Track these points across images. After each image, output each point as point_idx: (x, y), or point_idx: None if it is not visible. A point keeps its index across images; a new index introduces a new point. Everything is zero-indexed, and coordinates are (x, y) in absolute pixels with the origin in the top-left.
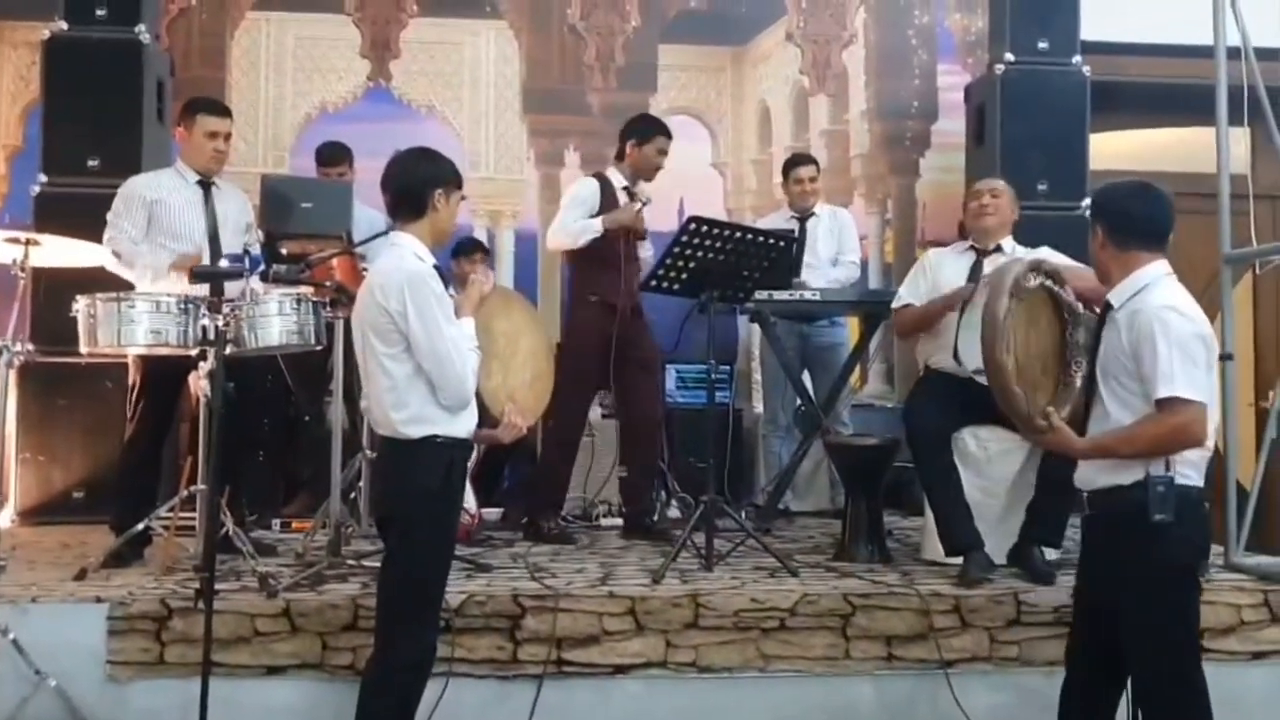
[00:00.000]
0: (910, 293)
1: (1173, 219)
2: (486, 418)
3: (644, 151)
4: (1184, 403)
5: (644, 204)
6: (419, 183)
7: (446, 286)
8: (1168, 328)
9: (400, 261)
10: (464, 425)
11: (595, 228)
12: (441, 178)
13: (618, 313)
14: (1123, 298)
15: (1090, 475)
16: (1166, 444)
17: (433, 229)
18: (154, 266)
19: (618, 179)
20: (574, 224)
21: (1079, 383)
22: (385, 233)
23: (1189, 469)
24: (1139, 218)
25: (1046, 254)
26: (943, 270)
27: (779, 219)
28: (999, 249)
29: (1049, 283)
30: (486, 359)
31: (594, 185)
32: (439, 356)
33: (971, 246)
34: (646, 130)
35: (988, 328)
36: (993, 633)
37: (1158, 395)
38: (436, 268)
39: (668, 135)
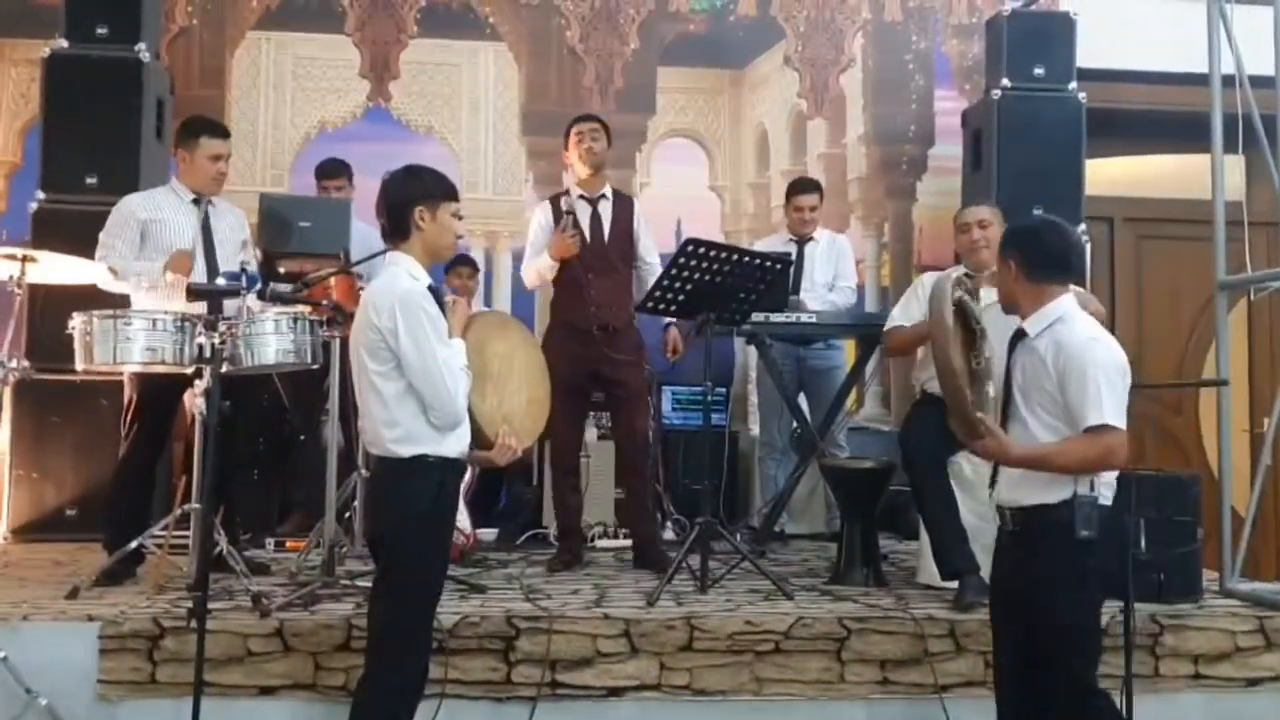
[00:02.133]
0: (902, 315)
1: (1084, 254)
2: (481, 440)
3: (570, 150)
4: (1112, 429)
5: (568, 215)
6: (401, 203)
7: (441, 307)
8: (1097, 360)
9: (394, 281)
10: (455, 445)
11: (548, 264)
12: (423, 195)
13: (587, 334)
14: (1038, 327)
15: (1016, 494)
16: (1095, 464)
17: (424, 247)
18: (149, 273)
19: (574, 191)
20: (530, 264)
21: (990, 394)
22: (382, 253)
23: (1107, 489)
24: (1053, 252)
25: None
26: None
27: (777, 242)
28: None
29: (964, 296)
30: (481, 381)
31: (544, 212)
32: (429, 375)
33: (967, 274)
34: (565, 134)
35: (939, 331)
36: (987, 657)
37: (1090, 422)
38: (432, 288)
39: (584, 119)
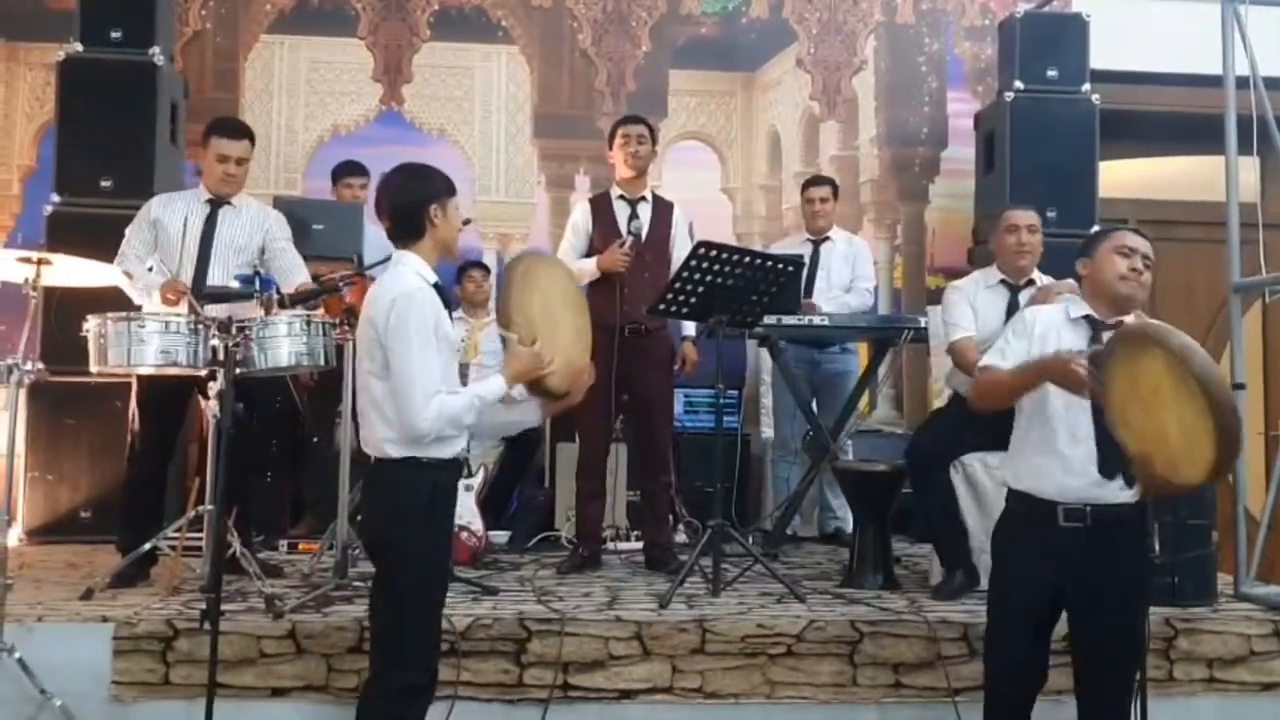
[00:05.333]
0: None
1: None
2: (550, 391)
3: (615, 153)
4: None
5: (632, 237)
6: (415, 203)
7: (448, 306)
8: None
9: (398, 280)
10: (450, 447)
11: (590, 270)
12: (435, 193)
13: (617, 334)
14: None
15: (1114, 492)
16: None
17: (435, 244)
18: (148, 285)
19: (614, 191)
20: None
21: None
22: (389, 259)
23: None
24: None
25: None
26: (979, 308)
27: (794, 243)
28: (1031, 281)
29: None
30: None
31: (584, 210)
32: (399, 378)
33: (1003, 281)
34: (610, 135)
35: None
36: None
37: None
38: (438, 286)
39: (630, 121)
